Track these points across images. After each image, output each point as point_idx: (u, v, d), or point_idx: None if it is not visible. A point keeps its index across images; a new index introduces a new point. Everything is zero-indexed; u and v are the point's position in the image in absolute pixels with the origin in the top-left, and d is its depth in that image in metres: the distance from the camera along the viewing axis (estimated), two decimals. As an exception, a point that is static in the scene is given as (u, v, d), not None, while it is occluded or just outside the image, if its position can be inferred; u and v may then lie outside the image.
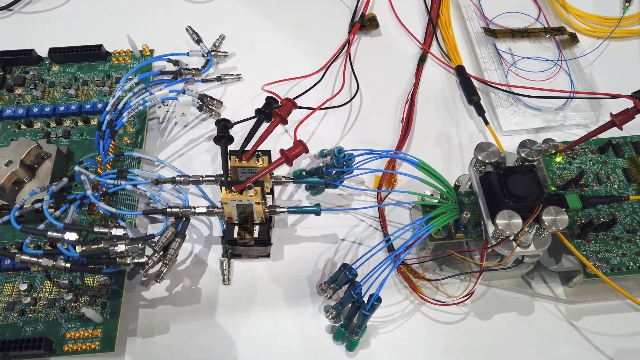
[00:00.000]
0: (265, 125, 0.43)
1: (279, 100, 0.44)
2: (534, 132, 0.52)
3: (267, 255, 0.46)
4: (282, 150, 0.42)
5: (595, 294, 0.43)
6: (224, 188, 0.40)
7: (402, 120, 0.53)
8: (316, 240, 0.47)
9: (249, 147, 0.42)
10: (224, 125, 0.43)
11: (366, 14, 0.61)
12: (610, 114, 0.42)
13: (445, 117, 0.54)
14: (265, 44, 0.60)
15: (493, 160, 0.40)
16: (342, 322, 0.41)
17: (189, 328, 0.43)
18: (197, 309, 0.44)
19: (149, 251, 0.42)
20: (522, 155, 0.40)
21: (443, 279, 0.44)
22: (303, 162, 0.51)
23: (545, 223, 0.37)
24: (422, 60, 0.57)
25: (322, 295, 0.44)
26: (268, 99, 0.44)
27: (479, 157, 0.40)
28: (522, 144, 0.40)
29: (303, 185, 0.49)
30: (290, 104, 0.44)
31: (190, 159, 0.52)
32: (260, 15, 0.62)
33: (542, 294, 0.43)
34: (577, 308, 0.43)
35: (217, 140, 0.42)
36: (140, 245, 0.37)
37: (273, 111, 0.43)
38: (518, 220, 0.37)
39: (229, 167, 0.42)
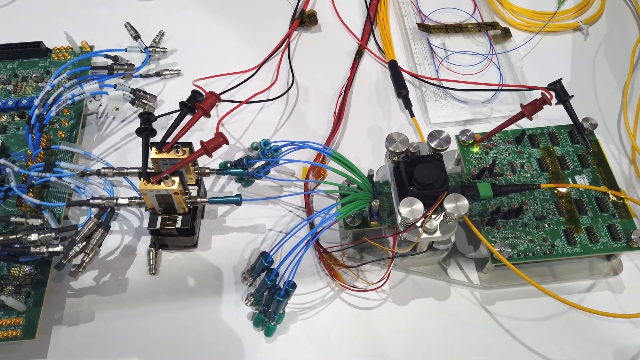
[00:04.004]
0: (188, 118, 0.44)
1: (204, 94, 0.45)
2: (462, 125, 0.54)
3: (194, 245, 0.47)
4: (202, 142, 0.43)
5: (508, 280, 0.44)
6: (142, 179, 0.41)
7: (335, 113, 0.54)
8: (244, 230, 0.48)
9: (171, 140, 0.43)
10: (146, 118, 0.44)
11: (307, 10, 0.62)
12: (521, 105, 0.44)
13: (378, 110, 0.55)
14: (207, 40, 0.61)
15: (403, 150, 0.41)
16: (261, 309, 0.42)
17: (113, 316, 0.44)
18: (123, 299, 0.45)
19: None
20: (432, 145, 0.41)
21: (358, 265, 0.45)
22: (237, 155, 0.53)
23: (447, 210, 0.38)
24: (358, 55, 0.59)
25: (244, 283, 0.45)
26: (193, 92, 0.45)
27: (389, 148, 0.41)
28: (431, 135, 0.41)
29: (234, 177, 0.51)
30: (214, 97, 0.45)
31: (126, 153, 0.53)
32: (203, 12, 0.63)
33: (458, 280, 0.45)
34: (492, 293, 0.45)
35: (139, 132, 0.43)
36: (53, 234, 0.38)
37: (196, 104, 0.44)
38: (419, 206, 0.38)
39: (149, 159, 0.43)
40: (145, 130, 0.43)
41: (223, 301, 0.45)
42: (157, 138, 0.43)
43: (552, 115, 0.52)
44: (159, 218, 0.44)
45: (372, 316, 0.44)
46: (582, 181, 0.45)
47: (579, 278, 0.45)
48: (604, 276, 0.45)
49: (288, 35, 0.60)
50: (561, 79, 0.46)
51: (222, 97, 0.53)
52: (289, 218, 0.49)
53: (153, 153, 0.43)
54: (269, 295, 0.41)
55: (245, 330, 0.43)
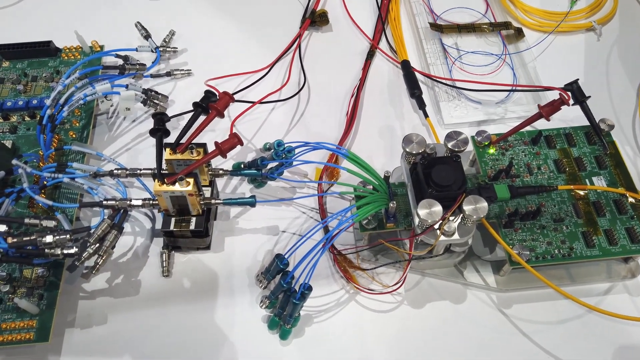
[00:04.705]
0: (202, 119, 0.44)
1: (217, 94, 0.45)
2: (475, 125, 0.53)
3: (207, 247, 0.46)
4: (216, 143, 0.42)
5: (525, 283, 0.44)
6: (156, 180, 0.41)
7: (347, 114, 0.54)
8: (257, 232, 0.48)
9: (185, 140, 0.43)
10: (160, 119, 0.43)
11: (317, 10, 0.61)
12: (538, 105, 0.43)
13: (390, 111, 0.55)
14: (218, 40, 0.60)
15: (420, 151, 0.41)
16: (276, 312, 0.42)
17: (126, 318, 0.43)
18: (136, 301, 0.44)
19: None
20: (449, 146, 0.41)
21: (375, 268, 0.44)
22: (249, 155, 0.52)
23: (466, 212, 0.38)
24: (370, 55, 0.58)
25: (258, 285, 0.44)
26: (207, 92, 0.45)
27: (406, 149, 0.41)
28: (448, 136, 0.41)
29: (247, 178, 0.50)
30: (228, 97, 0.45)
31: (137, 153, 0.52)
32: (213, 11, 0.63)
33: (474, 282, 0.44)
34: (508, 296, 0.44)
35: (152, 133, 0.43)
36: (68, 236, 0.38)
37: (210, 104, 0.44)
38: (438, 208, 0.38)
39: (163, 160, 0.42)
40: (160, 131, 0.43)
41: (237, 304, 0.44)
42: (170, 139, 0.43)
43: (567, 116, 0.51)
44: (173, 220, 0.43)
45: (388, 319, 0.43)
46: (600, 183, 0.44)
47: (596, 281, 0.44)
48: (622, 279, 0.44)
49: (299, 35, 0.59)
50: (578, 79, 0.45)
51: (234, 97, 0.53)
52: (303, 219, 0.48)
53: (167, 154, 0.43)
54: (284, 298, 0.41)
55: (259, 333, 0.43)
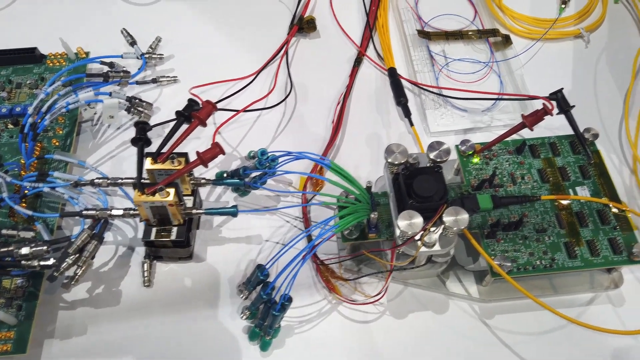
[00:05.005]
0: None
1: (200, 103, 0.45)
2: (461, 134, 0.53)
3: (190, 257, 0.46)
4: (197, 153, 0.42)
5: (508, 293, 0.43)
6: (136, 190, 0.40)
7: (333, 122, 0.54)
8: (240, 241, 0.48)
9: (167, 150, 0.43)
10: (142, 128, 0.43)
11: (305, 16, 0.61)
12: (522, 115, 0.43)
13: (377, 118, 0.55)
14: (204, 46, 0.60)
15: (402, 162, 0.40)
16: (256, 323, 0.42)
17: (106, 329, 0.43)
18: (116, 311, 0.44)
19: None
20: (431, 157, 0.41)
21: (357, 278, 0.44)
22: (234, 163, 0.52)
23: (446, 223, 0.37)
24: (357, 62, 0.58)
25: (240, 296, 0.44)
26: (190, 101, 0.44)
27: (389, 159, 0.41)
28: (431, 146, 0.41)
29: (230, 187, 0.50)
30: (211, 106, 0.44)
31: (122, 161, 0.52)
32: (200, 18, 0.63)
33: (456, 292, 0.44)
34: (491, 307, 0.44)
35: (134, 142, 0.43)
36: (45, 248, 0.37)
37: (193, 113, 0.44)
38: (418, 220, 0.37)
39: (144, 170, 0.42)
40: (141, 140, 0.42)
41: (218, 314, 0.44)
42: (153, 147, 0.43)
43: (552, 124, 0.51)
44: (154, 229, 0.43)
45: (370, 330, 0.43)
46: (584, 193, 0.44)
47: (580, 291, 0.44)
48: (605, 289, 0.44)
49: (286, 42, 0.59)
50: (562, 88, 0.45)
51: (220, 104, 0.53)
52: (286, 229, 0.48)
53: (148, 163, 0.42)
54: (264, 309, 0.41)
55: (240, 344, 0.42)
